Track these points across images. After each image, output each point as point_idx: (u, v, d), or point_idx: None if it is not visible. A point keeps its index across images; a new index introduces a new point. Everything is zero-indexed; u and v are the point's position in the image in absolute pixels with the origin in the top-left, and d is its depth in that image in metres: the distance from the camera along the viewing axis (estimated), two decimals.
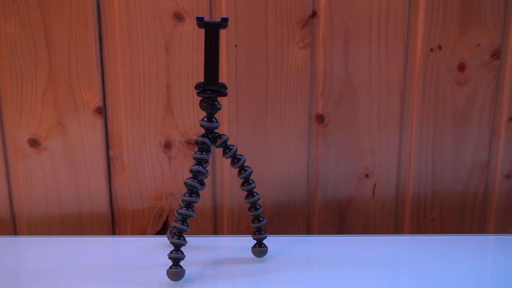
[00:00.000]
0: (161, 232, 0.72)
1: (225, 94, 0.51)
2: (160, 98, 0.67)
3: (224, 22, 0.49)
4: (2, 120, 0.67)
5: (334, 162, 0.71)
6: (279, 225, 0.72)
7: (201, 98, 0.51)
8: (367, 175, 0.71)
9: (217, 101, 0.52)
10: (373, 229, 0.73)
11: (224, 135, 0.53)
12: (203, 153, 0.52)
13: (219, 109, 0.52)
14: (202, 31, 0.64)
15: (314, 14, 0.66)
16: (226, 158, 0.54)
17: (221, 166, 0.70)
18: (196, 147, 0.52)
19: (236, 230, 0.72)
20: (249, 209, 0.56)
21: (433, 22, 0.67)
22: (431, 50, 0.68)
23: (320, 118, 0.69)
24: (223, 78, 0.67)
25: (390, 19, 0.67)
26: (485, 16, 0.67)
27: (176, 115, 0.68)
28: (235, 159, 0.54)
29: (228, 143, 0.53)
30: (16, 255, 0.62)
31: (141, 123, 0.68)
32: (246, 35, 0.66)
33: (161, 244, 0.63)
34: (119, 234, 0.71)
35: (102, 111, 0.67)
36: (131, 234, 0.72)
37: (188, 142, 0.69)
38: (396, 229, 0.74)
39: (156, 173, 0.70)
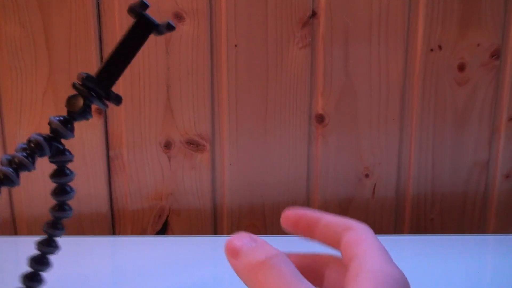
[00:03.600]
0: (161, 232, 0.72)
1: (106, 106, 0.39)
2: (160, 98, 0.67)
3: (169, 28, 0.37)
4: (2, 120, 0.67)
5: (334, 162, 0.71)
6: (279, 225, 0.72)
7: (74, 92, 0.38)
8: (367, 175, 0.71)
9: (89, 113, 0.38)
10: (373, 229, 0.73)
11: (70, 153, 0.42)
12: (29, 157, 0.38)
13: (88, 119, 0.39)
14: (202, 31, 0.63)
15: (314, 14, 0.66)
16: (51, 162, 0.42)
17: (221, 166, 0.70)
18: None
19: (236, 230, 0.72)
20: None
21: (433, 22, 0.67)
22: (431, 50, 0.68)
23: (320, 118, 0.69)
24: (223, 78, 0.67)
25: (390, 19, 0.67)
26: (485, 16, 0.67)
27: (176, 115, 0.68)
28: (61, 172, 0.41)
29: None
30: (16, 255, 0.62)
31: (141, 123, 0.68)
32: (246, 35, 0.66)
33: (161, 244, 0.63)
34: (119, 234, 0.71)
35: (102, 111, 0.67)
36: (131, 234, 0.72)
37: (188, 142, 0.69)
38: (396, 229, 0.74)
39: (156, 173, 0.70)
